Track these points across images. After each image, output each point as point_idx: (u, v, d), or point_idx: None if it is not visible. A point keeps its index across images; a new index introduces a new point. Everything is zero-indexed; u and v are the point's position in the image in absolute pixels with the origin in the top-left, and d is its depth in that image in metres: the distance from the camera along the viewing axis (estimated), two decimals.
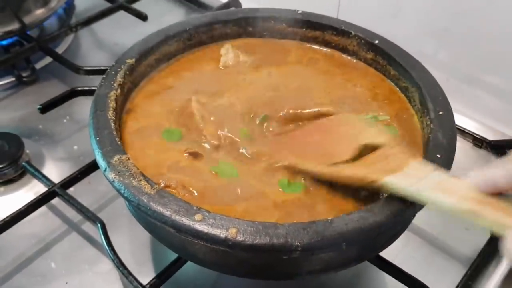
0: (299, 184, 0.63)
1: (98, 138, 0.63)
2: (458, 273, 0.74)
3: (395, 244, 0.66)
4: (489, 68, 0.98)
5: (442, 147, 0.63)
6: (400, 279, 0.69)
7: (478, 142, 0.94)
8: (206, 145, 0.68)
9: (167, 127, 0.71)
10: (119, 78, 0.71)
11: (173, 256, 0.68)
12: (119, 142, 0.62)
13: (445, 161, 0.61)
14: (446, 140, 0.64)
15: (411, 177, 0.54)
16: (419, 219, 0.77)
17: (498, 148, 0.93)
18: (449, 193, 0.50)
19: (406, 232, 0.74)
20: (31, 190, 0.85)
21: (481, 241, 0.78)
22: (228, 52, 0.83)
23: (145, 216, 0.57)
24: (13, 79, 1.06)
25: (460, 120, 0.98)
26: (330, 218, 0.54)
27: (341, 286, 0.74)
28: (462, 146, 0.95)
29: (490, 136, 0.94)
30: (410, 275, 0.68)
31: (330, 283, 0.75)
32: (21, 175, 0.87)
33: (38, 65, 1.10)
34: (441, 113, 0.67)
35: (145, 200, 0.56)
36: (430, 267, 0.76)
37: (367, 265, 0.70)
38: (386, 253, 0.69)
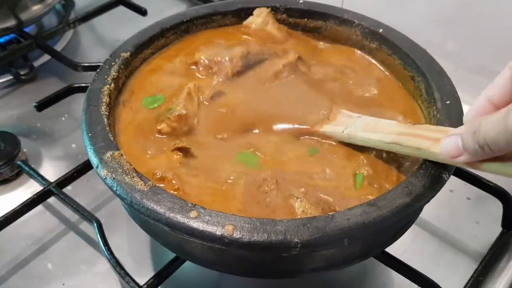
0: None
1: (90, 134, 0.61)
2: (468, 268, 0.72)
3: (403, 239, 0.64)
4: (498, 58, 0.95)
5: None
6: (408, 276, 0.66)
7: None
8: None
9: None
10: (113, 72, 0.69)
11: (172, 255, 0.66)
12: (111, 138, 0.60)
13: None
14: None
15: (343, 124, 0.65)
16: (427, 213, 0.76)
17: None
18: (375, 131, 0.61)
19: (414, 226, 0.72)
20: (28, 189, 0.83)
21: (492, 235, 0.76)
22: (260, 16, 0.81)
23: (139, 214, 0.55)
24: (11, 77, 1.05)
25: None
26: (331, 213, 0.52)
27: (346, 284, 0.72)
28: None
29: None
30: (418, 272, 0.66)
31: (334, 279, 0.72)
32: (17, 175, 0.85)
33: (37, 63, 1.08)
34: (448, 102, 0.65)
35: (138, 198, 0.54)
36: (439, 263, 0.74)
37: (373, 262, 0.68)
38: (393, 249, 0.66)
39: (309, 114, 0.69)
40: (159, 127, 0.66)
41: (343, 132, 0.63)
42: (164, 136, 0.66)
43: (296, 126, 0.68)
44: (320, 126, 0.67)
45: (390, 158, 0.62)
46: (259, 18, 0.81)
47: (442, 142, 0.52)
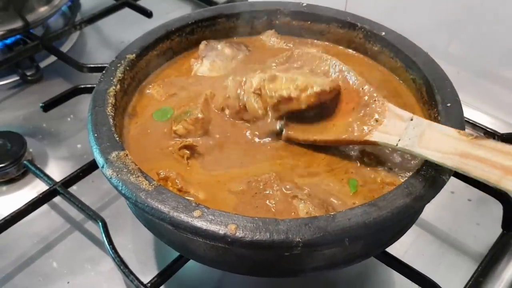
0: None
1: (96, 135, 0.62)
2: (468, 269, 0.72)
3: (404, 240, 0.65)
4: (500, 61, 0.96)
5: None
6: (409, 276, 0.67)
7: (489, 135, 0.92)
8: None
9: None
10: (118, 74, 0.70)
11: (175, 254, 0.67)
12: (117, 138, 0.61)
13: None
14: None
15: (394, 130, 0.60)
16: (429, 215, 0.76)
17: (510, 141, 0.90)
18: (435, 148, 0.55)
19: (415, 227, 0.73)
20: (34, 189, 0.84)
21: (493, 236, 0.76)
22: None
23: (143, 213, 0.56)
24: (17, 78, 1.06)
25: (471, 114, 0.95)
26: (332, 213, 0.53)
27: (348, 283, 0.73)
28: None
29: (502, 129, 0.92)
30: (419, 272, 0.66)
31: (336, 279, 0.73)
32: (23, 174, 0.86)
33: (43, 64, 1.10)
34: (449, 105, 0.65)
35: (143, 197, 0.54)
36: (440, 264, 0.75)
37: (374, 262, 0.69)
38: (394, 250, 0.67)
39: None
40: (174, 128, 0.67)
41: (397, 145, 0.59)
42: (179, 137, 0.67)
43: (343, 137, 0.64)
44: (370, 135, 0.62)
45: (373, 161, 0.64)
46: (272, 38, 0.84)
47: None
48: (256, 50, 0.83)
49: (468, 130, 0.92)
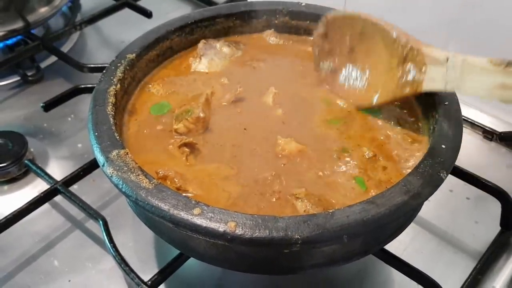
0: None
1: (96, 133, 0.62)
2: (467, 267, 0.73)
3: (403, 238, 0.65)
4: None
5: (448, 137, 0.61)
6: (408, 274, 0.68)
7: (488, 134, 0.92)
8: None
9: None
10: (119, 73, 0.70)
11: (176, 252, 0.68)
12: (117, 137, 0.61)
13: (450, 151, 0.60)
14: (452, 130, 0.62)
15: (437, 75, 0.63)
16: (427, 213, 0.77)
17: (509, 139, 0.91)
18: (477, 88, 0.60)
19: (413, 225, 0.74)
20: (35, 188, 0.84)
21: (491, 234, 0.77)
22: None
23: (144, 211, 0.57)
24: (18, 78, 1.06)
25: (470, 112, 0.96)
26: (331, 210, 0.53)
27: (347, 281, 0.73)
28: (472, 139, 0.93)
29: (500, 128, 0.93)
30: (417, 269, 0.67)
31: (336, 277, 0.73)
32: (25, 174, 0.87)
33: (44, 64, 1.10)
34: (446, 103, 0.66)
35: (143, 195, 0.55)
36: (439, 261, 0.75)
37: (373, 260, 0.69)
38: (393, 247, 0.68)
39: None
40: (175, 127, 0.68)
41: (446, 89, 0.63)
42: (179, 135, 0.67)
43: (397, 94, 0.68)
44: (420, 86, 0.65)
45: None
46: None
47: None
48: (252, 48, 0.83)
49: (466, 129, 0.93)
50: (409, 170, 0.59)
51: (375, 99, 0.71)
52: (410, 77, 0.66)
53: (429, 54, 0.64)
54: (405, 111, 0.72)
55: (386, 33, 0.70)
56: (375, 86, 0.71)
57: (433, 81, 0.64)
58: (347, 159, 0.65)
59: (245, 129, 0.69)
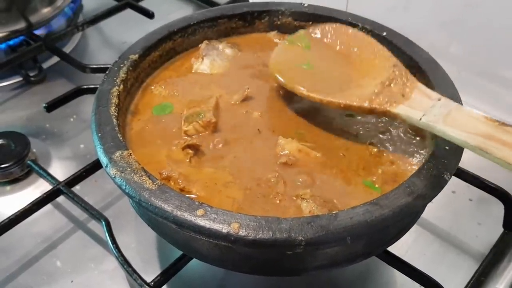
0: None
1: (100, 134, 0.62)
2: (470, 268, 0.73)
3: (405, 239, 0.65)
4: (501, 61, 0.97)
5: None
6: (410, 275, 0.67)
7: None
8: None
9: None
10: (122, 74, 0.71)
11: (178, 253, 0.67)
12: (121, 138, 0.61)
13: (454, 152, 0.60)
14: None
15: (420, 106, 0.60)
16: (430, 214, 0.77)
17: None
18: (459, 127, 0.55)
19: (416, 227, 0.73)
20: (38, 188, 0.84)
21: (494, 236, 0.77)
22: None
23: (147, 212, 0.57)
24: (20, 78, 1.07)
25: None
26: (334, 212, 0.53)
27: (350, 282, 0.73)
28: None
29: None
30: (420, 271, 0.67)
31: (338, 279, 0.73)
32: (27, 174, 0.87)
33: (46, 65, 1.10)
34: None
35: (146, 196, 0.55)
36: (441, 263, 0.75)
37: (376, 261, 0.69)
38: (396, 249, 0.68)
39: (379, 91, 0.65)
40: (185, 128, 0.68)
41: (420, 119, 0.59)
42: (188, 137, 0.67)
43: (365, 104, 0.64)
44: (393, 106, 0.62)
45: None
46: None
47: None
48: (255, 49, 0.84)
49: None
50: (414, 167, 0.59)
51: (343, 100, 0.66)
52: (388, 97, 0.63)
53: (422, 89, 0.63)
54: None
55: (382, 52, 0.69)
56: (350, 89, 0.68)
57: (411, 108, 0.61)
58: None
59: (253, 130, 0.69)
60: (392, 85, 0.64)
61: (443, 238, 0.78)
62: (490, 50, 0.97)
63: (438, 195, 0.57)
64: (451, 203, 0.82)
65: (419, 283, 0.67)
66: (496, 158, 0.52)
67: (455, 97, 0.66)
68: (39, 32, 1.11)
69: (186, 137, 0.67)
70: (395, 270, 0.69)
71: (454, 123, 0.56)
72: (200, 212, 0.53)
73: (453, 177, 0.59)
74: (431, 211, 0.73)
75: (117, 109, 0.66)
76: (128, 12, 1.17)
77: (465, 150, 0.60)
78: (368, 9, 0.87)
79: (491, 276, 0.72)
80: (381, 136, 0.68)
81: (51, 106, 0.89)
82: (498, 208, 0.77)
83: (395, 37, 0.77)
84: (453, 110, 0.58)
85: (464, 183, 0.78)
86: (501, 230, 0.77)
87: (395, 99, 0.62)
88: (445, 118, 0.57)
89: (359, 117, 0.71)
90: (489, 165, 0.88)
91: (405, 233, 0.63)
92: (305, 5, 0.84)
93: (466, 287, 0.69)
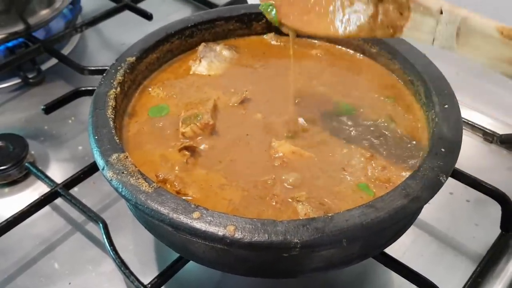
0: None
1: (96, 137, 0.62)
2: (467, 270, 0.73)
3: (403, 241, 0.65)
4: None
5: (447, 140, 0.61)
6: (407, 277, 0.68)
7: (489, 136, 0.92)
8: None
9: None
10: (119, 77, 0.71)
11: (175, 255, 0.68)
12: (117, 141, 0.62)
13: (450, 154, 0.60)
14: (451, 133, 0.62)
15: (425, 27, 0.52)
16: (428, 215, 0.77)
17: (509, 142, 0.91)
18: (476, 53, 0.49)
19: (414, 228, 0.73)
20: (36, 191, 0.84)
21: (491, 237, 0.77)
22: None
23: (143, 215, 0.57)
24: (19, 80, 1.06)
25: (470, 114, 0.96)
26: (330, 214, 0.53)
27: (346, 284, 0.73)
28: (472, 141, 0.93)
29: (501, 130, 0.92)
30: (417, 273, 0.67)
31: (335, 280, 0.73)
32: (25, 176, 0.87)
33: (44, 66, 1.10)
34: (446, 106, 0.66)
35: (143, 199, 0.55)
36: (439, 264, 0.75)
37: (373, 263, 0.69)
38: (393, 251, 0.68)
39: None
40: (183, 130, 0.68)
41: (433, 44, 0.52)
42: (186, 139, 0.68)
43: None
44: (398, 33, 0.55)
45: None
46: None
47: None
48: (252, 51, 0.84)
49: (467, 131, 0.93)
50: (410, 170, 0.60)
51: (341, 31, 0.59)
52: (387, 19, 0.55)
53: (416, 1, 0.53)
54: (400, 108, 0.72)
55: None
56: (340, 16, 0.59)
57: (417, 30, 0.53)
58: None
59: (249, 132, 0.70)
60: (382, 4, 0.55)
61: (441, 239, 0.78)
62: None
63: (435, 196, 0.57)
64: (448, 205, 0.82)
65: (416, 285, 0.67)
66: None
67: (452, 100, 0.67)
68: (37, 34, 1.11)
69: (184, 139, 0.68)
70: (392, 272, 0.69)
71: (469, 47, 0.50)
72: (196, 214, 0.53)
73: (450, 178, 0.60)
74: (428, 213, 0.73)
75: (114, 111, 0.66)
76: (127, 13, 1.17)
77: (460, 152, 0.61)
78: None
79: (488, 277, 0.72)
80: (375, 140, 0.68)
81: (50, 108, 0.89)
82: (495, 210, 0.77)
83: (392, 39, 0.77)
84: (462, 28, 0.49)
85: (462, 184, 0.79)
86: (499, 231, 0.77)
87: (396, 20, 0.54)
88: (457, 41, 0.50)
89: (354, 112, 0.71)
90: (487, 166, 0.89)
91: (401, 234, 0.63)
92: None
93: None
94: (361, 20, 0.57)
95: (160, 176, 0.61)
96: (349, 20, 0.58)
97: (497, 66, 0.48)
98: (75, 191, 0.81)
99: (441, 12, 0.51)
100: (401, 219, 0.55)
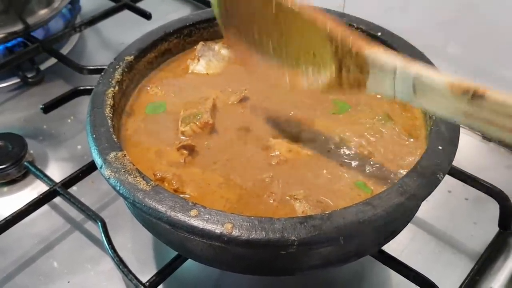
0: None
1: (94, 136, 0.62)
2: (465, 267, 0.73)
3: (401, 239, 0.65)
4: (498, 61, 0.97)
5: (444, 139, 0.61)
6: (405, 274, 0.68)
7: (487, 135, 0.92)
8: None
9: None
10: (117, 76, 0.71)
11: (174, 253, 0.68)
12: (115, 139, 0.62)
13: (447, 153, 0.60)
14: (449, 132, 0.62)
15: (384, 83, 0.53)
16: (426, 213, 0.77)
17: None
18: (434, 106, 0.51)
19: (412, 226, 0.74)
20: (35, 190, 0.85)
21: (490, 235, 0.77)
22: None
23: (141, 213, 0.57)
24: (18, 80, 1.07)
25: None
26: (327, 212, 0.53)
27: (344, 282, 0.73)
28: (471, 140, 0.93)
29: None
30: (415, 271, 0.67)
31: (333, 278, 0.73)
32: (24, 175, 0.87)
33: (43, 66, 1.10)
34: None
35: (140, 197, 0.55)
36: (437, 262, 0.75)
37: (371, 261, 0.69)
38: (391, 248, 0.68)
39: None
40: (182, 129, 0.68)
41: (395, 97, 0.53)
42: (186, 138, 0.68)
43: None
44: (362, 89, 0.56)
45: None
46: None
47: None
48: None
49: (465, 129, 0.93)
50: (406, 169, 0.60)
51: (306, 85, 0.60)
52: (351, 76, 0.56)
53: (372, 57, 0.53)
54: (397, 105, 0.72)
55: (309, 22, 0.57)
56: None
57: (378, 86, 0.54)
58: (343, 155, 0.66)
59: (247, 131, 0.70)
60: (342, 64, 0.56)
61: (439, 237, 0.78)
62: (487, 50, 0.97)
63: (433, 194, 0.57)
64: (447, 203, 0.83)
65: (414, 283, 0.67)
66: (488, 134, 0.49)
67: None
68: (36, 33, 1.11)
69: (183, 138, 0.68)
70: (391, 270, 0.69)
71: (428, 100, 0.51)
72: (193, 212, 0.53)
73: (449, 176, 0.60)
74: (427, 211, 0.73)
75: (112, 110, 0.66)
76: (126, 13, 1.17)
77: (459, 150, 0.61)
78: (365, 9, 0.87)
79: (486, 275, 0.73)
80: (372, 138, 0.68)
81: (48, 107, 0.89)
82: (493, 208, 0.77)
83: (390, 38, 0.77)
84: (416, 84, 0.50)
85: (460, 182, 0.79)
86: (497, 229, 0.78)
87: (359, 77, 0.55)
88: (415, 95, 0.51)
89: (351, 110, 0.72)
90: (485, 164, 0.89)
91: (399, 232, 0.63)
92: None
93: (461, 286, 0.70)
94: (327, 77, 0.58)
95: (158, 174, 0.61)
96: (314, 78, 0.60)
97: (456, 118, 0.50)
98: (73, 190, 0.81)
99: (394, 72, 0.52)
100: (398, 216, 0.55)
